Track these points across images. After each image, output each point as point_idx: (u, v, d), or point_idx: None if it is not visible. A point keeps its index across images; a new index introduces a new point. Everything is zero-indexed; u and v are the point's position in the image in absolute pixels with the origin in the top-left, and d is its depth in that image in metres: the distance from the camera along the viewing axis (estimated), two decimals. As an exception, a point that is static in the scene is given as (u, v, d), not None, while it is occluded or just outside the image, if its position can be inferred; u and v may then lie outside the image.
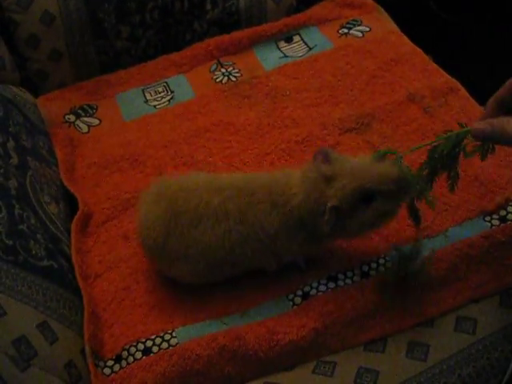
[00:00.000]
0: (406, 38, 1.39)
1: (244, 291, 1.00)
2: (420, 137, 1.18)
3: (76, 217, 1.12)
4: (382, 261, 1.02)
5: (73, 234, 1.10)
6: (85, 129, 1.30)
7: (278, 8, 1.44)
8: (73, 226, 1.11)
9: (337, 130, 1.21)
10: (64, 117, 1.32)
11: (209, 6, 1.41)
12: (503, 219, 1.05)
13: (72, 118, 1.32)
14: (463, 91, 1.26)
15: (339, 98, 1.27)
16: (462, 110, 1.22)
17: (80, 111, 1.32)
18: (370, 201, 0.89)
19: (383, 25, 1.43)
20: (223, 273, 0.99)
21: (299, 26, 1.43)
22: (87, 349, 0.93)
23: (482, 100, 1.25)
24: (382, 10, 1.46)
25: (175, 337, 0.96)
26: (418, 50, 1.36)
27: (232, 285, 1.00)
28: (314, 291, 0.99)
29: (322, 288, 1.00)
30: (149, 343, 0.96)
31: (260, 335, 0.94)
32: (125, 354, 0.96)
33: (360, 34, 1.41)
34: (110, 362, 0.95)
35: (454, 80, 1.28)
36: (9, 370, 0.80)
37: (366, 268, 1.01)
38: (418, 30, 1.40)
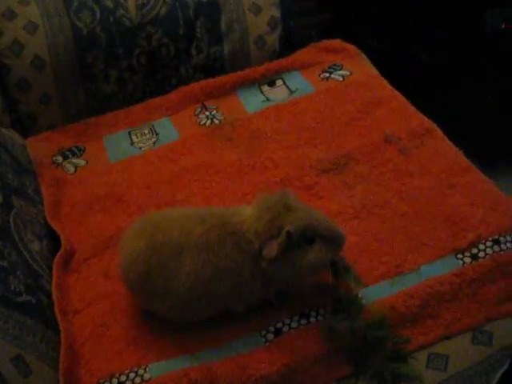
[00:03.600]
0: (385, 82, 1.44)
1: (218, 327, 1.02)
2: (396, 177, 1.21)
3: (58, 254, 1.15)
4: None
5: (54, 271, 1.12)
6: (71, 169, 1.34)
7: (262, 53, 1.49)
8: (54, 263, 1.13)
9: (314, 171, 1.24)
10: (52, 158, 1.36)
11: (194, 52, 1.47)
12: (475, 257, 1.07)
13: (60, 159, 1.36)
14: (439, 132, 1.30)
15: (318, 140, 1.31)
16: (438, 151, 1.26)
17: (68, 153, 1.37)
18: (311, 243, 0.95)
19: (364, 69, 1.47)
20: (201, 312, 1.00)
21: (282, 70, 1.48)
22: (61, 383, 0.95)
23: (458, 141, 1.29)
24: (363, 55, 1.51)
25: (148, 372, 0.97)
26: (397, 93, 1.40)
27: (206, 321, 1.02)
28: (286, 328, 1.01)
29: (294, 324, 1.01)
30: (123, 378, 0.97)
31: (231, 370, 0.96)
32: (101, 388, 0.97)
33: (341, 78, 1.46)
34: (88, 397, 0.97)
35: (430, 121, 1.32)
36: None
37: (337, 305, 1.03)
38: (399, 72, 1.45)
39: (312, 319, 1.01)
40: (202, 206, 1.21)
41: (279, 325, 1.01)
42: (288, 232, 0.92)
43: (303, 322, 1.01)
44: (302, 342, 0.98)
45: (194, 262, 0.96)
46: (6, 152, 1.23)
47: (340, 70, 1.48)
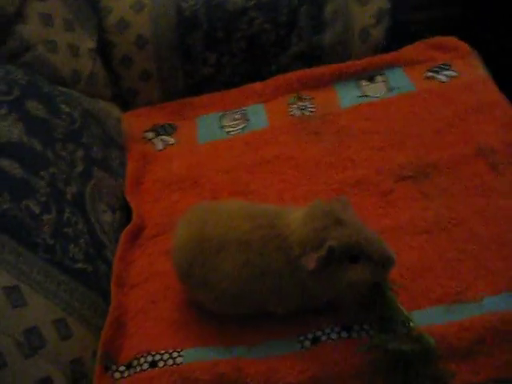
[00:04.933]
0: (493, 86, 1.31)
1: (257, 325, 1.01)
2: (480, 194, 1.11)
3: (127, 228, 1.21)
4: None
5: (120, 243, 1.18)
6: (160, 146, 1.39)
7: (364, 46, 1.43)
8: (122, 236, 1.19)
9: (393, 177, 1.18)
10: (144, 133, 1.42)
11: (294, 40, 1.44)
12: (549, 295, 0.95)
13: (151, 135, 1.41)
14: (542, 149, 1.16)
15: (406, 144, 1.24)
16: (534, 171, 1.13)
17: (160, 129, 1.41)
18: (355, 261, 0.89)
19: (473, 71, 1.36)
20: (239, 308, 1.00)
21: (384, 65, 1.40)
22: (99, 351, 1.00)
23: None
24: (476, 54, 1.39)
25: (182, 356, 0.99)
26: (504, 100, 1.27)
27: (247, 317, 1.01)
28: (324, 337, 0.97)
29: (334, 336, 0.97)
30: (157, 357, 1.00)
31: (260, 371, 0.94)
32: (135, 362, 1.01)
33: (445, 79, 1.35)
34: (122, 368, 1.01)
35: (535, 137, 1.19)
36: (13, 354, 0.88)
37: (385, 324, 0.97)
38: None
39: (354, 334, 0.96)
40: (271, 199, 1.20)
41: (318, 333, 0.98)
42: (330, 247, 0.87)
43: (344, 334, 0.97)
44: (339, 355, 0.94)
45: (236, 258, 0.95)
46: (98, 124, 1.30)
47: (447, 69, 1.37)
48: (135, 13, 1.42)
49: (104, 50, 1.44)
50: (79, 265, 1.05)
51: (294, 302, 0.97)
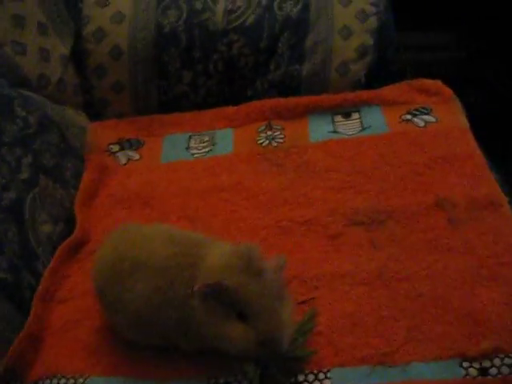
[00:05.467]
0: (470, 138, 1.23)
1: (170, 360, 0.94)
2: (432, 250, 1.03)
3: (66, 240, 1.17)
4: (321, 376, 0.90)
5: (55, 256, 1.14)
6: (123, 161, 1.35)
7: (343, 80, 1.38)
8: (59, 248, 1.15)
9: (343, 221, 1.11)
10: (108, 145, 1.38)
11: (272, 67, 1.40)
12: (484, 372, 0.87)
13: (116, 148, 1.38)
14: (506, 209, 1.08)
15: (366, 187, 1.17)
16: (495, 231, 1.04)
17: (126, 144, 1.38)
18: (241, 318, 0.83)
19: (452, 118, 1.28)
20: (149, 336, 0.94)
21: (361, 103, 1.34)
22: (2, 365, 0.95)
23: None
24: (458, 102, 1.32)
25: (87, 383, 0.94)
26: (479, 153, 1.19)
27: (161, 350, 0.95)
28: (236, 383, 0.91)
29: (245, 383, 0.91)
30: (62, 381, 0.95)
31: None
32: (40, 383, 0.96)
33: (422, 124, 1.28)
34: (27, 386, 0.97)
35: (501, 194, 1.11)
36: None
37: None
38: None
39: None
40: (216, 229, 1.14)
41: (230, 379, 0.91)
42: (219, 282, 0.82)
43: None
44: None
45: (148, 284, 0.90)
46: (57, 131, 1.26)
47: (427, 114, 1.30)
48: (114, 23, 1.40)
49: (79, 58, 1.42)
50: (1, 275, 1.01)
51: (196, 340, 0.91)
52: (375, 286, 1.00)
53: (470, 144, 1.22)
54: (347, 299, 0.99)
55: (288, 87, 1.40)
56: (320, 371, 0.90)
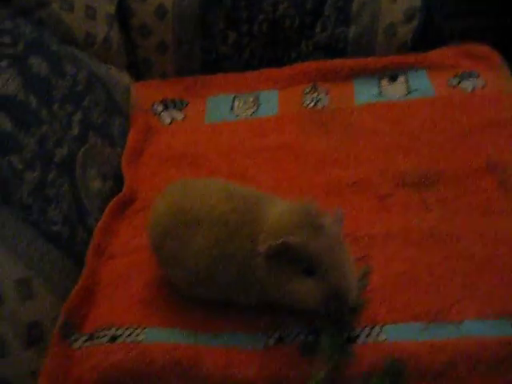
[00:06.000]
0: (519, 102, 1.23)
1: (224, 314, 0.96)
2: (483, 212, 1.04)
3: (116, 197, 1.18)
4: (376, 330, 0.92)
5: (105, 212, 1.15)
6: (167, 121, 1.36)
7: (390, 43, 1.37)
8: (109, 205, 1.16)
9: (394, 181, 1.11)
10: (152, 105, 1.38)
11: (318, 29, 1.39)
12: (537, 331, 0.88)
13: (160, 108, 1.38)
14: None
15: (414, 149, 1.17)
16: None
17: (170, 104, 1.38)
18: (308, 274, 0.84)
19: (500, 83, 1.28)
20: (206, 290, 0.95)
21: (407, 66, 1.34)
22: (60, 317, 0.97)
23: None
24: (507, 68, 1.31)
25: (143, 334, 0.95)
26: (527, 118, 1.19)
27: (215, 304, 0.96)
28: (290, 339, 0.91)
29: (302, 337, 0.91)
30: (119, 332, 0.96)
31: (219, 362, 0.90)
32: (96, 334, 0.97)
33: (470, 88, 1.28)
34: (84, 337, 0.97)
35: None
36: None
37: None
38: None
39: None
40: (266, 188, 1.14)
41: (284, 333, 0.92)
42: (285, 241, 0.83)
43: (310, 338, 0.91)
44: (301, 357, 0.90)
45: (207, 238, 0.91)
46: (104, 89, 1.27)
47: (473, 78, 1.30)
48: (160, -18, 1.39)
49: (124, 17, 1.42)
50: (56, 228, 1.02)
51: (254, 296, 0.92)
52: (427, 246, 1.01)
53: (518, 109, 1.22)
54: (400, 258, 0.99)
55: (334, 49, 1.40)
56: (374, 326, 0.92)
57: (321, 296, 0.84)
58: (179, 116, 1.37)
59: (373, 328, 0.91)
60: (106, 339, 0.96)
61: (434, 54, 1.37)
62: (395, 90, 1.31)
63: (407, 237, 1.03)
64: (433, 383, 0.86)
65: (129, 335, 0.96)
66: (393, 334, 0.90)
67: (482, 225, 1.02)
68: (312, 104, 1.32)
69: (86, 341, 0.97)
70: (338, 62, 1.37)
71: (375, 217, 1.07)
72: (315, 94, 1.34)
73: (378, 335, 0.90)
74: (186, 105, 1.39)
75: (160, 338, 0.95)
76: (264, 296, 0.91)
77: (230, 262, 0.91)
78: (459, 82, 1.30)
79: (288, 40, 1.41)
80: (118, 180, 1.23)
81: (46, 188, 1.04)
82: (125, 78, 1.40)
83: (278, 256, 0.84)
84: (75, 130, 1.15)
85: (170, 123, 1.35)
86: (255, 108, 1.35)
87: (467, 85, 1.29)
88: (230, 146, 1.26)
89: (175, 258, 0.95)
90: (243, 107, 1.35)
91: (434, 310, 0.92)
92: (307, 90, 1.36)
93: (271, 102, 1.36)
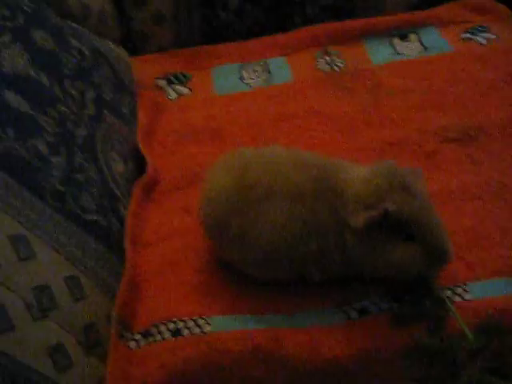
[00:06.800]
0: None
1: (294, 293, 0.89)
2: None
3: (141, 180, 1.08)
4: (459, 290, 0.88)
5: (133, 196, 1.05)
6: (173, 96, 1.27)
7: (398, 1, 1.33)
8: (135, 189, 1.06)
9: (437, 138, 1.08)
10: (155, 80, 1.29)
11: (323, -10, 1.33)
12: None
13: (163, 83, 1.29)
14: None
15: (446, 105, 1.14)
16: None
17: (173, 78, 1.30)
18: (407, 239, 0.79)
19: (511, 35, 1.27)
20: (276, 270, 0.87)
21: (417, 23, 1.31)
22: (114, 316, 0.87)
23: None
24: (514, 18, 1.31)
25: (210, 324, 0.87)
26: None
27: (281, 284, 0.89)
28: (374, 308, 0.87)
29: (385, 306, 0.86)
30: (180, 324, 0.88)
31: (301, 342, 0.83)
32: (154, 330, 0.88)
33: (484, 41, 1.27)
34: (138, 336, 0.88)
35: None
36: (21, 315, 0.73)
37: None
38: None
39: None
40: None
41: (365, 303, 0.87)
42: (386, 209, 0.77)
43: (395, 306, 0.87)
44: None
45: (282, 212, 0.83)
46: (109, 66, 1.16)
47: (485, 32, 1.29)
48: None
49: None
50: (91, 216, 0.92)
51: (334, 270, 0.86)
52: (488, 199, 0.98)
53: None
54: (464, 214, 0.96)
55: (341, 11, 1.35)
56: (457, 286, 0.88)
57: (425, 259, 0.80)
58: (184, 90, 1.28)
59: (455, 288, 0.88)
60: (167, 334, 0.87)
61: (442, 10, 1.35)
62: (409, 48, 1.28)
63: (465, 192, 0.99)
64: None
65: (193, 327, 0.87)
66: (478, 291, 0.87)
67: (536, 173, 1.01)
68: (328, 67, 1.27)
69: (141, 339, 0.88)
70: (346, 24, 1.33)
71: (427, 175, 1.02)
72: (328, 58, 1.29)
73: (463, 293, 0.87)
74: (190, 78, 1.30)
75: (229, 327, 0.87)
76: (347, 268, 0.85)
77: (310, 236, 0.83)
78: (472, 36, 1.28)
79: (292, 3, 1.35)
80: (137, 161, 1.13)
81: (75, 173, 0.92)
82: (123, 53, 1.28)
83: (376, 226, 0.79)
84: (91, 110, 1.03)
85: (177, 98, 1.26)
86: (267, 76, 1.28)
87: (481, 38, 1.27)
88: (251, 117, 1.19)
89: (243, 237, 0.85)
90: (253, 76, 1.28)
91: (512, 263, 0.90)
92: (318, 54, 1.30)
93: (282, 68, 1.29)
